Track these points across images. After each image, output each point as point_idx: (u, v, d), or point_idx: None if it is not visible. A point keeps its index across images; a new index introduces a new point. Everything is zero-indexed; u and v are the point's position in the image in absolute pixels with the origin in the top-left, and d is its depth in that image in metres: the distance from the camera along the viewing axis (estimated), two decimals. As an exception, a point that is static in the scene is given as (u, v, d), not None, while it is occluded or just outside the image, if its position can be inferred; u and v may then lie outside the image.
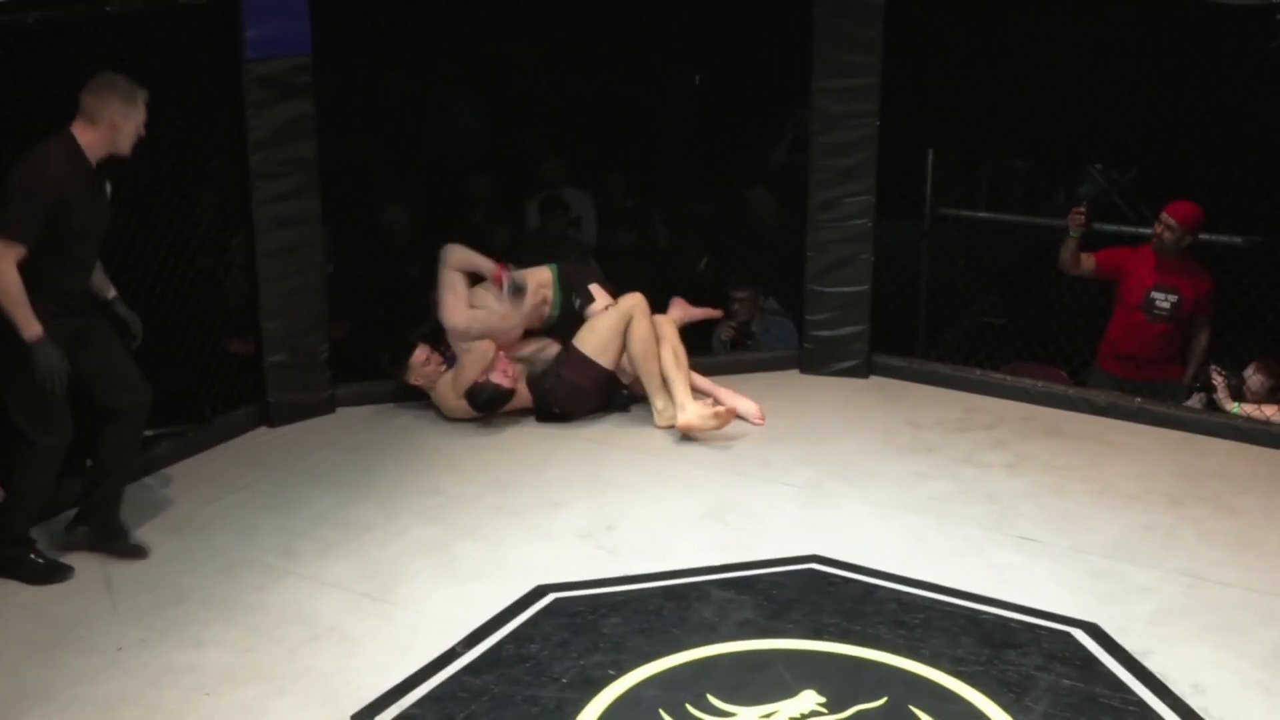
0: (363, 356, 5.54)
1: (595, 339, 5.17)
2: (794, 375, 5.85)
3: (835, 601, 3.87)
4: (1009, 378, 5.60)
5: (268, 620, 3.79)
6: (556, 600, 3.88)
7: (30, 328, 3.70)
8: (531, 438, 5.15)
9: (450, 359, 5.20)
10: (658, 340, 5.20)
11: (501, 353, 5.20)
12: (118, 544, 4.13)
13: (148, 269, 4.75)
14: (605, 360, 5.18)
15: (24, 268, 3.68)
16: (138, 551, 4.13)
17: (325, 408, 5.40)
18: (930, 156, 5.93)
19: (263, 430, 5.21)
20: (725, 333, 6.15)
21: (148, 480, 4.71)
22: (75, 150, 3.77)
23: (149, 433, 4.51)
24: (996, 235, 6.07)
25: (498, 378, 5.12)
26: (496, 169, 6.89)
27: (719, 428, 5.05)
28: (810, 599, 3.89)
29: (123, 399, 4.03)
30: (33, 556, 3.99)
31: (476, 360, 5.10)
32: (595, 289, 5.40)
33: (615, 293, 5.42)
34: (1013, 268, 6.05)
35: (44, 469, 3.94)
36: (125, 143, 3.84)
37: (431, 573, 4.07)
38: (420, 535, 4.33)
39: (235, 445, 5.06)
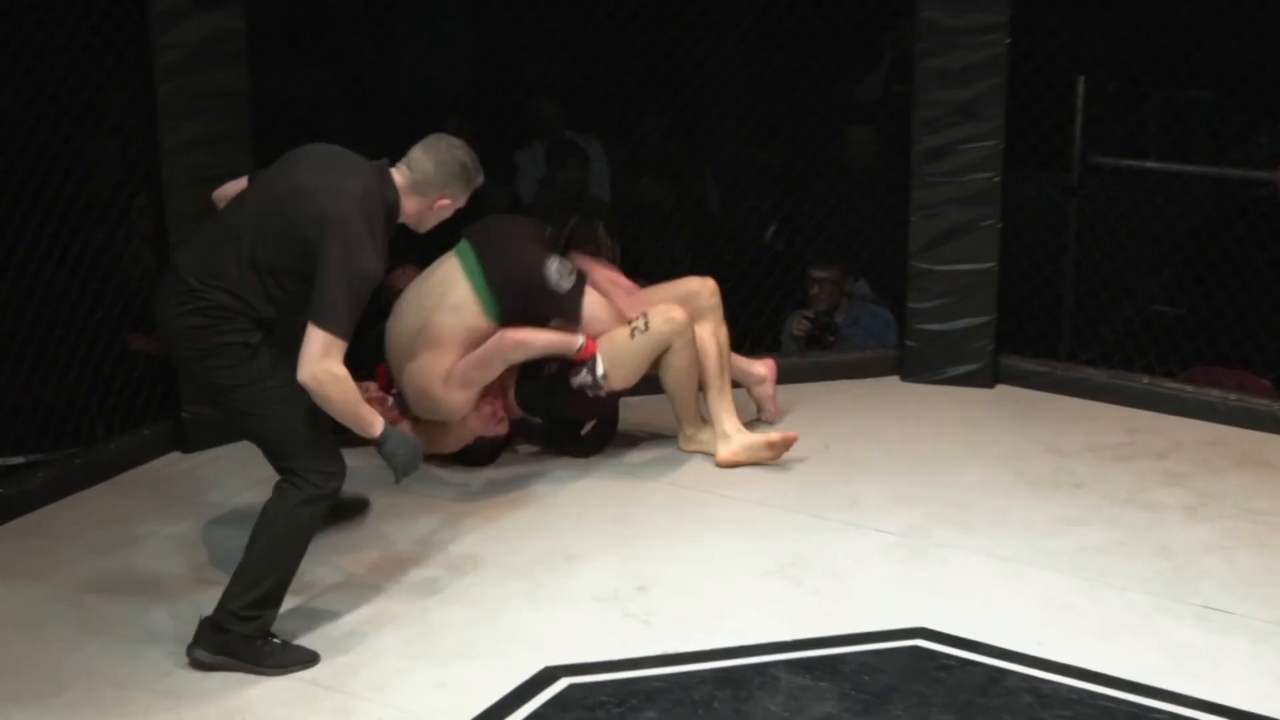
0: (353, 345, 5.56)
1: (616, 372, 5.01)
2: (892, 383, 5.88)
3: (948, 692, 3.84)
4: (1188, 388, 5.61)
5: (181, 717, 3.76)
6: (572, 687, 3.86)
7: (374, 425, 3.85)
8: (536, 466, 5.17)
9: (403, 400, 5.11)
10: (701, 364, 5.13)
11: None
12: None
13: (18, 238, 4.76)
14: (624, 385, 5.11)
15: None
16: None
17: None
18: (1081, 86, 5.89)
19: (174, 456, 5.24)
20: (798, 325, 6.13)
21: (20, 522, 4.72)
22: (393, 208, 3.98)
23: (18, 460, 4.52)
24: (1171, 193, 6.04)
25: (491, 426, 5.10)
26: (479, 108, 6.92)
27: (774, 459, 5.02)
28: (914, 688, 3.85)
29: None
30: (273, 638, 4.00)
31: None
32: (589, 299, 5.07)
33: (621, 266, 5.35)
34: (1194, 237, 5.99)
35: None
36: (429, 224, 4.13)
37: (402, 651, 4.05)
38: (387, 600, 4.31)
39: (137, 477, 5.08)
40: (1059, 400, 5.72)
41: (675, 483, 5.00)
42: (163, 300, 3.94)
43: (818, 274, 6.15)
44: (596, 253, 6.10)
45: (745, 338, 6.17)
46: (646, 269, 6.51)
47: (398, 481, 3.99)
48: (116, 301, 5.18)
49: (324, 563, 4.48)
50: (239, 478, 5.05)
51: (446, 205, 4.10)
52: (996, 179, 5.65)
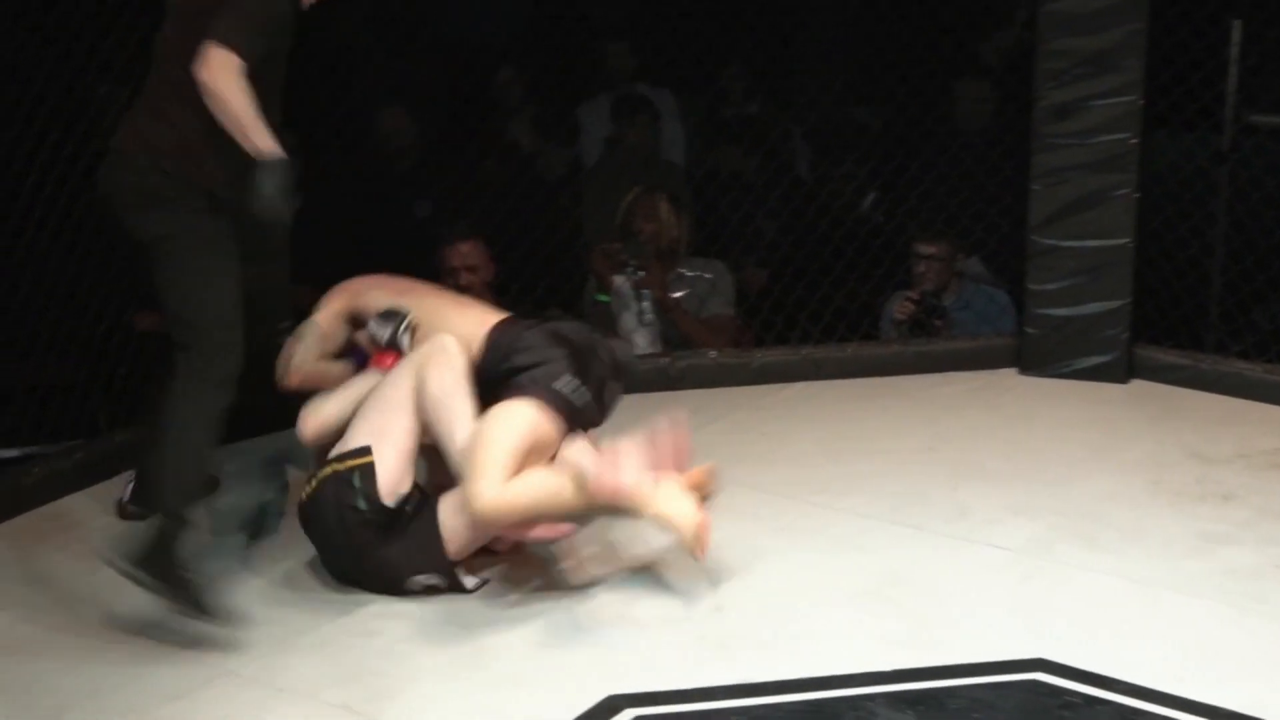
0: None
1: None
2: (1009, 376, 5.88)
3: (1073, 733, 3.82)
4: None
5: (193, 743, 3.81)
6: (638, 719, 3.88)
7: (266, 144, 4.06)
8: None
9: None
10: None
11: None
12: None
13: (10, 200, 4.83)
14: None
15: None
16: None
17: (288, 414, 5.45)
18: (1236, 33, 5.84)
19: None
20: (900, 308, 6.13)
21: (12, 524, 4.79)
22: None
23: (11, 453, 4.58)
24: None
25: None
26: (537, 55, 6.94)
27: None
28: (1034, 728, 3.85)
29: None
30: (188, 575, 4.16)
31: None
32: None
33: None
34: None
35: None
36: None
37: (447, 675, 4.07)
38: (431, 618, 4.33)
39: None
40: (1204, 398, 5.70)
41: (756, 486, 5.00)
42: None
43: (923, 250, 6.15)
44: (656, 233, 6.13)
45: (839, 323, 6.18)
46: (725, 244, 6.54)
47: (257, 213, 4.06)
48: (122, 275, 5.22)
49: (356, 574, 4.54)
50: (266, 471, 5.14)
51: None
52: (1134, 141, 5.63)
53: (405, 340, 4.57)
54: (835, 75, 7.15)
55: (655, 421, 4.33)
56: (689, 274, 6.24)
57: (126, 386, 5.24)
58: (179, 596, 4.11)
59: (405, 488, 4.38)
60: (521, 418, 4.32)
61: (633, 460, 4.24)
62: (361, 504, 4.31)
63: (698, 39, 6.72)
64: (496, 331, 4.54)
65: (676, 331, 6.17)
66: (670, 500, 4.29)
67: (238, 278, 4.24)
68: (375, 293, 4.73)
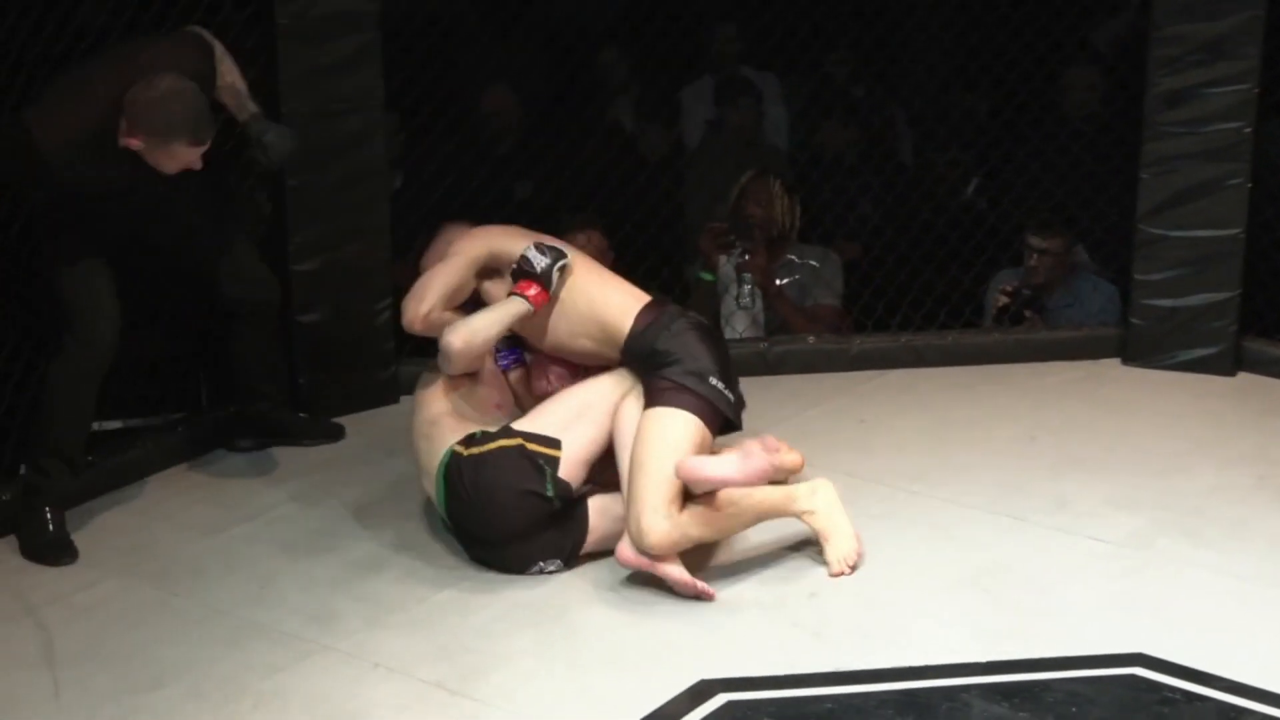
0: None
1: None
2: (1113, 367, 5.84)
3: (1173, 729, 3.80)
4: None
5: (289, 719, 3.83)
6: (730, 704, 3.86)
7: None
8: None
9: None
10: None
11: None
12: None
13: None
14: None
15: None
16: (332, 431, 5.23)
17: (384, 394, 5.50)
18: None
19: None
20: (998, 298, 6.08)
21: (114, 497, 4.86)
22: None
23: (115, 425, 4.65)
24: None
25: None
26: (640, 37, 6.94)
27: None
28: (1132, 723, 3.82)
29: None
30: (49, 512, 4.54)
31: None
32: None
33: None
34: None
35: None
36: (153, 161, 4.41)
37: (540, 655, 4.09)
38: (524, 598, 4.35)
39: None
40: (1314, 393, 5.63)
41: (852, 473, 4.98)
42: None
43: (1036, 244, 6.06)
44: (770, 215, 6.09)
45: (940, 310, 6.14)
46: (828, 229, 6.51)
47: (269, 163, 4.62)
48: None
49: (452, 549, 4.56)
50: (360, 453, 5.19)
51: (134, 145, 4.33)
52: (1248, 130, 5.56)
53: (555, 278, 4.53)
54: (941, 60, 7.10)
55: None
56: (797, 261, 6.21)
57: (229, 364, 5.27)
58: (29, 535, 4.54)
59: (577, 484, 4.42)
60: (682, 435, 4.33)
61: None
62: (550, 490, 4.34)
63: (803, 22, 6.68)
64: (649, 312, 4.55)
65: (777, 317, 6.14)
66: (832, 509, 4.47)
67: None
68: (521, 240, 4.66)
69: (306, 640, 4.14)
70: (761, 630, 4.20)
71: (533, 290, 4.51)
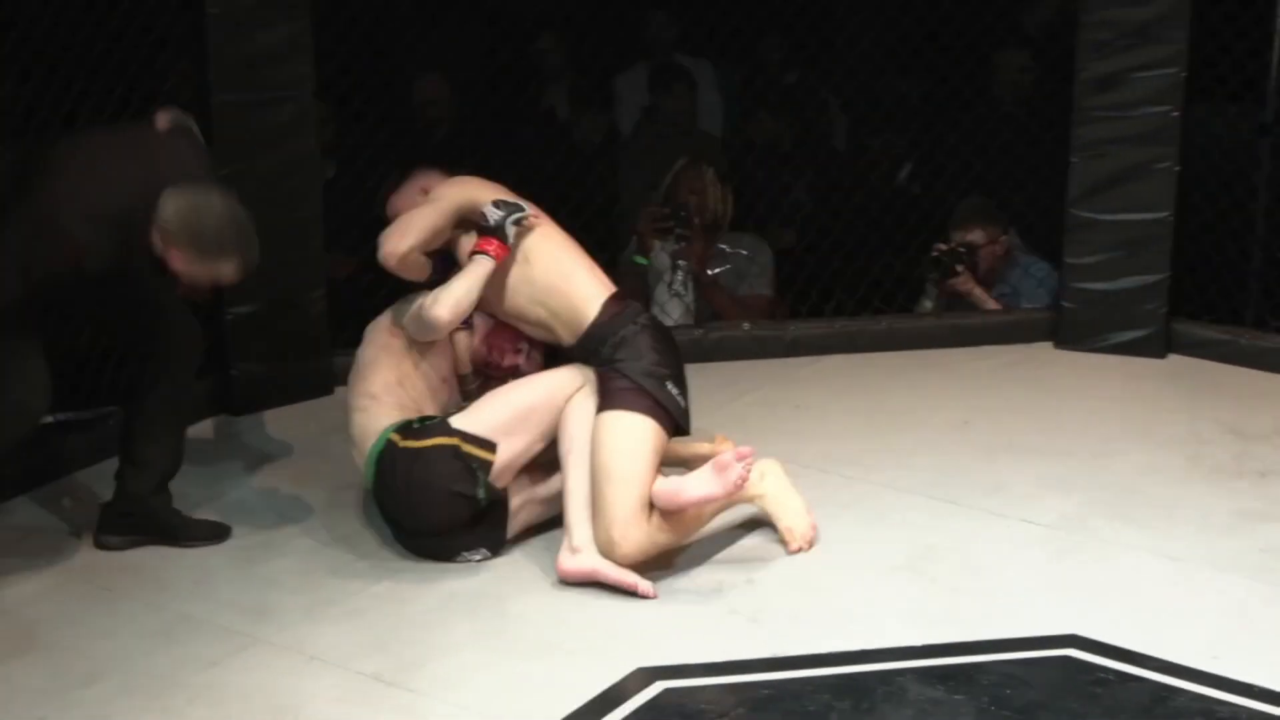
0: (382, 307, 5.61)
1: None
2: (1046, 350, 5.86)
3: (1105, 711, 3.80)
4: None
5: (225, 713, 3.81)
6: (667, 692, 3.86)
7: None
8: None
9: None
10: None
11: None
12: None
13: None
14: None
15: None
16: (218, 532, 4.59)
17: (318, 385, 5.48)
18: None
19: (222, 420, 5.34)
20: (934, 250, 6.04)
21: (50, 489, 4.84)
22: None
23: (47, 419, 4.60)
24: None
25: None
26: (574, 23, 6.92)
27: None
28: (1066, 704, 3.82)
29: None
30: None
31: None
32: None
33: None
34: None
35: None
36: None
37: (477, 645, 4.09)
38: (460, 587, 4.35)
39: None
40: (1243, 374, 5.67)
41: (789, 459, 4.97)
42: None
43: (969, 235, 6.04)
44: (703, 203, 6.08)
45: (875, 294, 6.15)
46: (762, 214, 6.51)
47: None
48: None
49: (387, 542, 4.55)
50: (292, 446, 5.18)
51: (175, 262, 4.12)
52: (1175, 114, 5.60)
53: (510, 232, 4.51)
54: (874, 45, 7.10)
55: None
56: (729, 250, 6.20)
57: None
58: None
59: (502, 484, 4.41)
60: (644, 441, 4.34)
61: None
62: (481, 494, 4.33)
63: (736, 8, 6.68)
64: (614, 304, 4.54)
65: (710, 307, 6.14)
66: (781, 490, 4.52)
67: None
68: (493, 195, 4.64)
69: (242, 634, 4.12)
70: (699, 617, 4.20)
71: (493, 246, 4.50)
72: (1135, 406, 5.46)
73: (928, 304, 6.16)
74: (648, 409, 4.37)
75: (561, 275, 4.57)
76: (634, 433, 4.34)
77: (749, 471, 4.28)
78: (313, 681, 3.92)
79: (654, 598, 4.24)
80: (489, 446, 4.34)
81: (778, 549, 4.52)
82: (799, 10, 6.47)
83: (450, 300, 4.47)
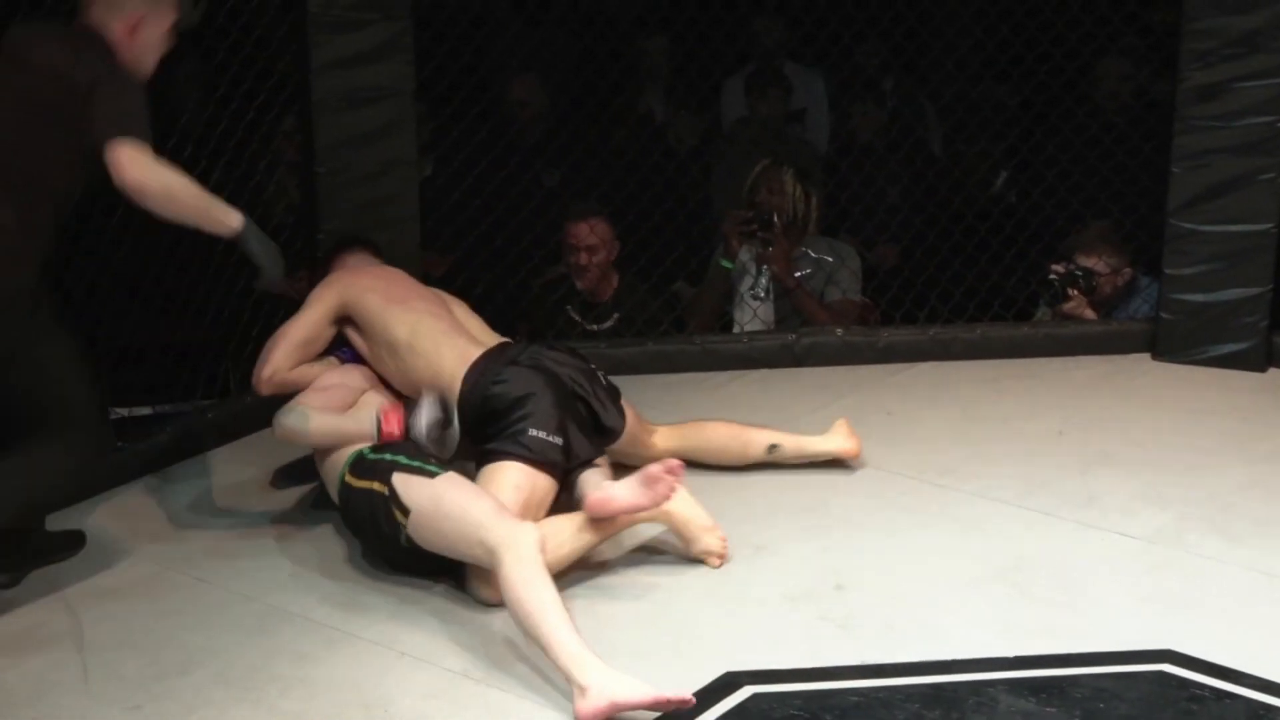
0: (475, 305, 5.64)
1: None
2: (1143, 361, 5.82)
3: (1201, 727, 3.79)
4: None
5: (316, 706, 3.85)
6: (756, 697, 3.86)
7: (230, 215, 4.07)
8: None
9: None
10: None
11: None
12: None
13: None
14: None
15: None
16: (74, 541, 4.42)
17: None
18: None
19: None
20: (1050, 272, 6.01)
21: (143, 483, 4.89)
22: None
23: (144, 411, 4.65)
24: None
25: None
26: (679, 26, 6.93)
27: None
28: (1159, 720, 3.81)
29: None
30: None
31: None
32: None
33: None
34: None
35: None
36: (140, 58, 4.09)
37: (564, 645, 4.09)
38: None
39: (273, 436, 5.19)
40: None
41: (881, 466, 4.98)
42: None
43: (1084, 263, 5.98)
44: (780, 206, 6.06)
45: (969, 303, 6.13)
46: (857, 220, 6.50)
47: (264, 280, 4.11)
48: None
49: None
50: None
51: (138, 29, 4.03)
52: (1279, 124, 5.55)
53: (426, 445, 4.39)
54: (971, 49, 7.07)
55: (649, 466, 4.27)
56: (813, 255, 6.18)
57: (257, 349, 5.29)
58: None
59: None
60: (509, 478, 4.34)
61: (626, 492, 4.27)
62: (404, 543, 4.28)
63: (833, 13, 6.66)
64: (476, 371, 4.50)
65: (799, 311, 6.12)
66: (686, 505, 4.43)
67: None
68: (371, 297, 4.63)
69: (332, 629, 4.16)
70: (788, 623, 4.20)
71: (394, 436, 4.42)
72: (1233, 420, 5.41)
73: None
74: (516, 457, 4.36)
75: (430, 369, 4.54)
76: (495, 477, 4.34)
77: (678, 485, 4.24)
78: (402, 677, 3.95)
79: (692, 704, 3.80)
80: (405, 512, 4.26)
81: (869, 557, 4.52)
82: (897, 15, 6.46)
83: (300, 430, 4.48)
